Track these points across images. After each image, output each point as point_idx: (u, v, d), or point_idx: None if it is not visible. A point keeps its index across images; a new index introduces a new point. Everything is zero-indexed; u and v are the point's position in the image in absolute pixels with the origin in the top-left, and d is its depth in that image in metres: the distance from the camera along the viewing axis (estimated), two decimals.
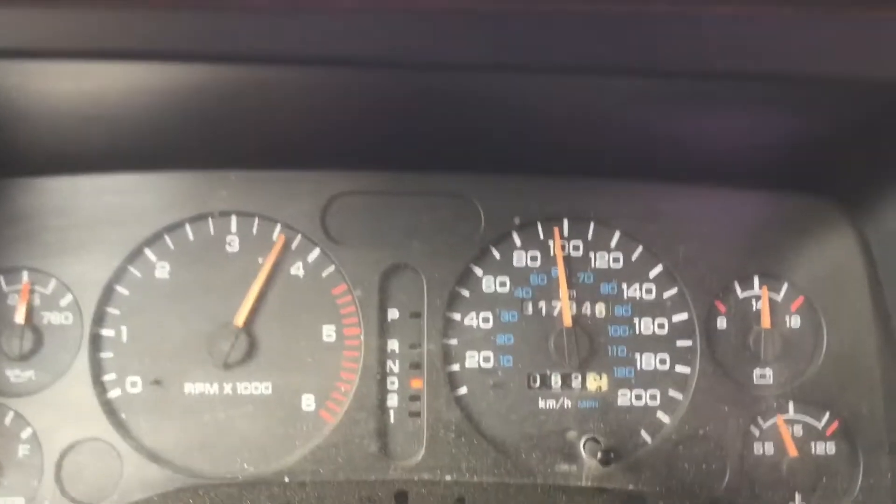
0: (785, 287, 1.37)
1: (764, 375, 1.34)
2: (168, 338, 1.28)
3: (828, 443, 1.32)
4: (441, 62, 0.94)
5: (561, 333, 1.31)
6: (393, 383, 1.30)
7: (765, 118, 1.15)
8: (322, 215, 1.32)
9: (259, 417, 1.27)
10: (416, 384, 1.30)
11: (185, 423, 1.26)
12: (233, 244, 1.31)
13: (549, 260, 1.35)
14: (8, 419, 1.24)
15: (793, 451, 1.31)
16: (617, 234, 1.36)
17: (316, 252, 1.32)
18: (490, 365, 1.31)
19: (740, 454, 1.30)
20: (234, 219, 1.31)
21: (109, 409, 1.25)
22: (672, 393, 1.33)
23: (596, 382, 1.32)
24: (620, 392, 1.32)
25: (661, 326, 1.34)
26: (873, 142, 1.17)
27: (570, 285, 1.33)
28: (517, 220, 1.34)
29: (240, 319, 1.28)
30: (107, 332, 1.28)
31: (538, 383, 1.32)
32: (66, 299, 1.28)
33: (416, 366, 1.30)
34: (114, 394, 1.26)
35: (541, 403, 1.31)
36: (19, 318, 1.26)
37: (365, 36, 0.90)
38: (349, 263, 1.31)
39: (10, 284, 1.28)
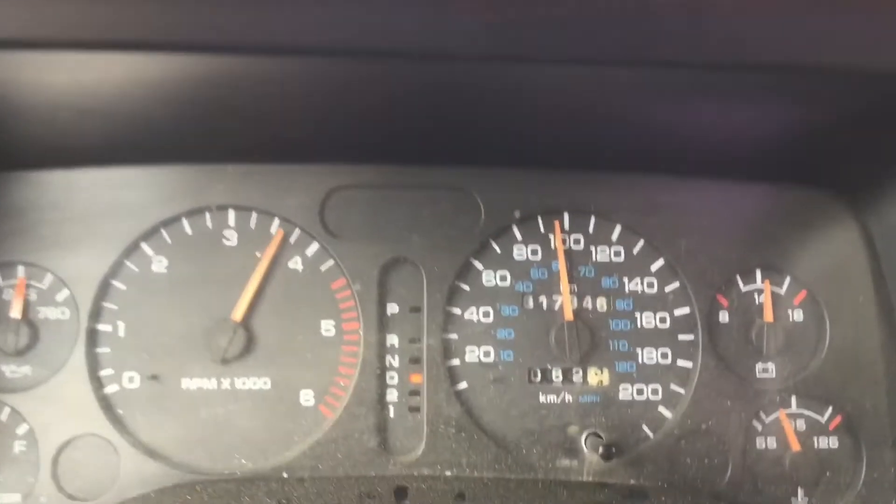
0: (787, 281, 1.36)
1: (766, 370, 1.33)
2: (165, 333, 1.27)
3: (831, 437, 1.32)
4: (440, 52, 0.93)
5: (562, 328, 1.30)
6: (392, 378, 1.29)
7: (767, 109, 1.14)
8: (321, 209, 1.31)
9: (257, 413, 1.26)
10: (416, 379, 1.29)
11: (182, 419, 1.25)
12: (230, 238, 1.30)
13: (549, 254, 1.34)
14: (4, 415, 1.23)
15: (795, 446, 1.30)
16: (618, 228, 1.35)
17: (314, 246, 1.31)
18: (491, 359, 1.30)
19: (742, 449, 1.29)
20: (231, 213, 1.30)
21: (106, 405, 1.24)
22: (674, 387, 1.32)
23: (597, 377, 1.31)
24: (622, 386, 1.31)
25: (662, 320, 1.33)
26: (876, 134, 1.17)
27: (570, 279, 1.32)
28: (517, 214, 1.33)
29: (238, 314, 1.27)
30: (103, 328, 1.27)
31: (539, 378, 1.31)
32: (63, 294, 1.27)
33: (416, 360, 1.29)
34: (111, 389, 1.25)
35: (542, 398, 1.30)
36: (15, 313, 1.25)
37: (362, 26, 0.89)
38: (348, 257, 1.30)
39: (5, 279, 1.27)
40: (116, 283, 1.28)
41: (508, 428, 1.29)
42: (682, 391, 1.31)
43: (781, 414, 1.31)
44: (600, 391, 1.31)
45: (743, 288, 1.35)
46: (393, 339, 1.30)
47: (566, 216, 1.35)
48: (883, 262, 1.33)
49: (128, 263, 1.28)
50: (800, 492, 1.29)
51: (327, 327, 1.29)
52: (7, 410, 1.23)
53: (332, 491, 1.10)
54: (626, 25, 0.91)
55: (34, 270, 1.27)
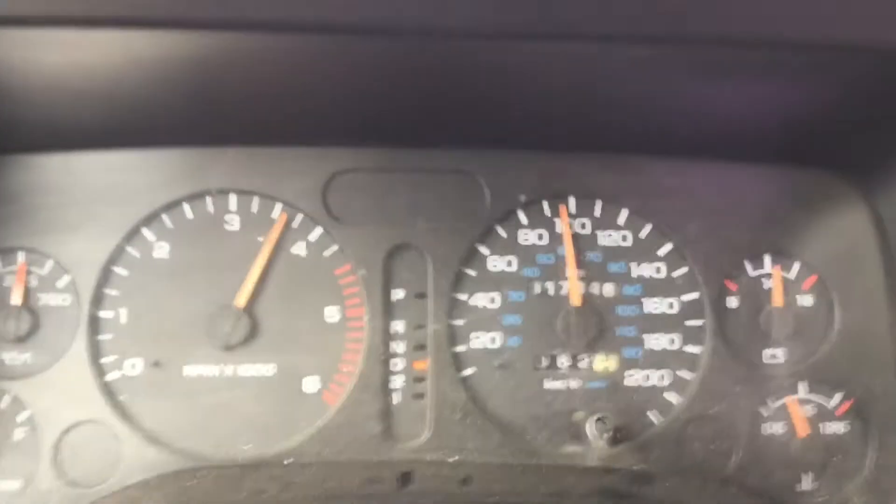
0: (797, 265, 1.34)
1: (775, 355, 1.32)
2: (168, 319, 1.25)
3: (839, 422, 1.31)
4: (444, 29, 0.91)
5: (569, 313, 1.29)
6: (397, 364, 1.28)
7: (776, 90, 1.12)
8: (323, 193, 1.29)
9: (261, 399, 1.25)
10: (421, 365, 1.28)
11: (185, 405, 1.24)
12: (232, 223, 1.28)
13: (555, 238, 1.32)
14: (4, 402, 1.22)
15: (803, 431, 1.29)
16: (625, 212, 1.33)
17: (318, 231, 1.29)
18: (497, 345, 1.29)
19: (750, 434, 1.29)
20: (233, 197, 1.29)
21: (108, 392, 1.23)
22: (681, 373, 1.30)
23: (604, 363, 1.30)
24: (629, 372, 1.30)
25: (670, 306, 1.32)
26: (887, 115, 1.14)
27: (577, 264, 1.31)
28: (523, 198, 1.32)
29: (241, 300, 1.26)
30: (105, 314, 1.25)
31: (546, 364, 1.30)
32: (64, 280, 1.25)
33: (422, 347, 1.28)
34: (113, 376, 1.24)
35: (548, 384, 1.29)
36: (16, 299, 1.24)
37: (363, 1, 0.87)
38: (352, 243, 1.28)
39: (6, 265, 1.26)
40: (118, 269, 1.26)
41: (514, 414, 1.27)
42: (689, 377, 1.30)
43: (789, 399, 1.30)
44: (607, 377, 1.30)
45: (752, 272, 1.34)
46: (398, 326, 1.29)
47: (572, 200, 1.33)
48: (893, 246, 1.32)
49: (129, 249, 1.27)
50: (808, 477, 1.29)
51: (331, 313, 1.28)
52: (8, 397, 1.22)
53: (336, 476, 1.09)
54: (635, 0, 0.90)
55: (34, 256, 1.25)
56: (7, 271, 1.25)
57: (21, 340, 1.23)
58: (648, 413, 1.29)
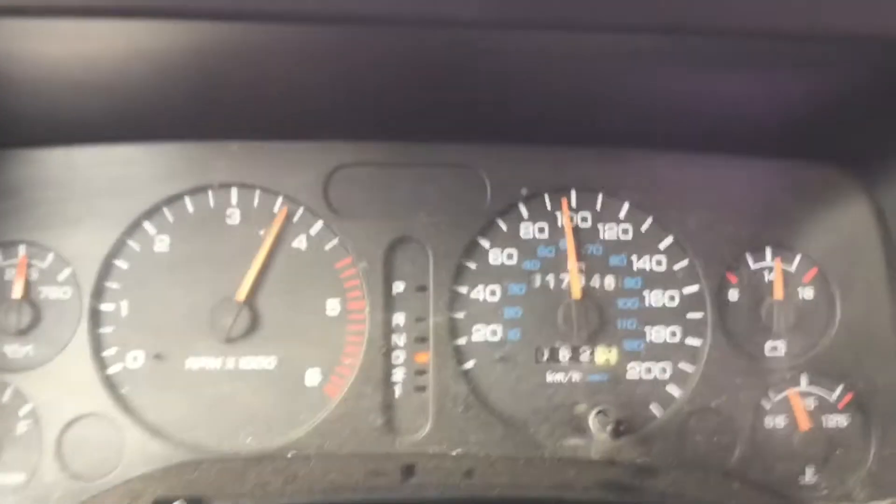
0: (798, 258, 1.34)
1: (776, 348, 1.32)
2: (169, 312, 1.25)
3: (841, 415, 1.31)
4: (445, 19, 0.90)
5: (570, 306, 1.29)
6: (398, 357, 1.28)
7: (778, 83, 1.12)
8: (324, 187, 1.29)
9: (263, 392, 1.25)
10: (423, 358, 1.28)
11: (187, 398, 1.24)
12: (233, 217, 1.29)
13: (556, 231, 1.32)
14: (6, 395, 1.22)
15: (805, 424, 1.29)
16: (626, 205, 1.33)
17: (319, 225, 1.29)
18: (498, 338, 1.29)
19: (752, 427, 1.29)
20: (234, 191, 1.29)
21: (110, 384, 1.23)
22: (683, 366, 1.30)
23: (605, 356, 1.30)
24: (630, 365, 1.30)
25: (671, 299, 1.32)
26: (888, 108, 1.14)
27: (578, 257, 1.31)
28: (524, 191, 1.32)
29: (241, 294, 1.26)
30: (106, 307, 1.25)
31: (547, 357, 1.30)
32: (65, 273, 1.25)
33: (423, 339, 1.28)
34: (114, 369, 1.24)
35: (549, 377, 1.29)
36: (17, 292, 1.24)
37: None
38: (353, 236, 1.28)
39: (7, 258, 1.26)
40: (119, 263, 1.26)
41: (516, 407, 1.28)
42: (690, 370, 1.30)
43: (791, 392, 1.30)
44: (608, 370, 1.30)
45: (753, 265, 1.34)
46: (399, 318, 1.29)
47: (573, 193, 1.33)
48: (894, 239, 1.31)
49: (130, 242, 1.27)
50: (810, 469, 1.29)
51: (332, 306, 1.28)
52: (9, 390, 1.22)
53: (338, 469, 1.09)
54: None
55: (35, 249, 1.26)
56: (8, 264, 1.26)
57: (22, 333, 1.23)
58: (650, 406, 1.29)
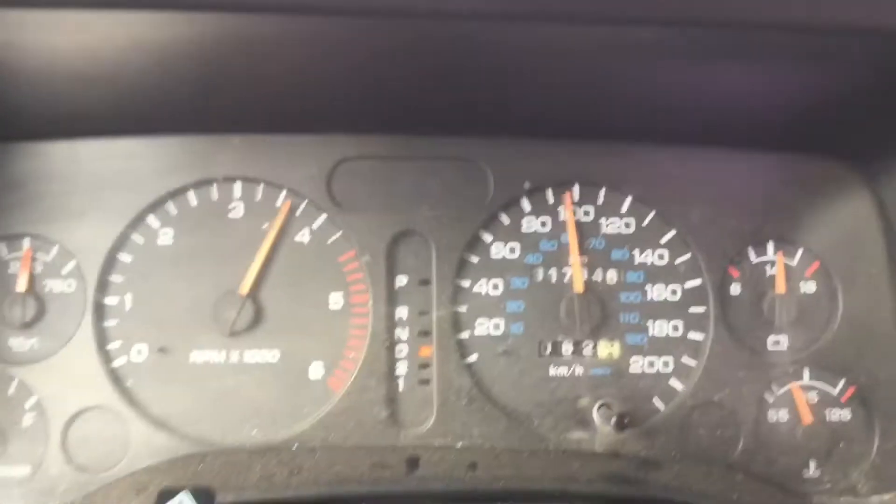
0: (800, 252, 1.34)
1: (778, 342, 1.32)
2: (173, 305, 1.26)
3: (843, 409, 1.31)
4: (448, 10, 0.91)
5: (572, 300, 1.29)
6: (402, 351, 1.28)
7: (781, 76, 1.12)
8: (328, 180, 1.29)
9: (267, 385, 1.26)
10: (426, 352, 1.28)
11: (191, 391, 1.24)
12: (236, 210, 1.29)
13: (559, 225, 1.32)
14: (12, 387, 1.22)
15: (807, 418, 1.29)
16: (628, 199, 1.33)
17: (322, 218, 1.30)
18: (500, 332, 1.29)
19: (755, 420, 1.29)
20: (237, 184, 1.29)
21: (115, 377, 1.24)
22: (685, 360, 1.31)
23: (608, 349, 1.30)
24: (633, 359, 1.30)
25: (673, 293, 1.32)
26: (890, 101, 1.14)
27: (581, 251, 1.31)
28: (527, 185, 1.32)
29: (245, 287, 1.26)
30: (110, 300, 1.26)
31: (549, 351, 1.30)
32: (69, 267, 1.26)
33: (426, 333, 1.28)
34: (119, 362, 1.25)
35: (552, 371, 1.29)
36: (21, 285, 1.24)
37: None
38: (356, 230, 1.28)
39: (11, 251, 1.26)
40: (123, 256, 1.27)
41: (519, 400, 1.28)
42: (693, 363, 1.30)
43: (793, 386, 1.30)
44: (611, 364, 1.30)
45: (755, 259, 1.34)
46: (402, 312, 1.29)
47: (576, 187, 1.33)
48: None
49: (134, 236, 1.27)
50: (813, 463, 1.29)
51: (335, 300, 1.28)
52: (15, 383, 1.22)
53: (343, 461, 1.09)
54: None
55: (40, 242, 1.26)
56: (12, 257, 1.26)
57: (27, 326, 1.23)
58: (653, 399, 1.29)
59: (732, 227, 1.33)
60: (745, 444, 1.28)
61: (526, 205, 1.32)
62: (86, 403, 1.22)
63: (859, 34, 0.97)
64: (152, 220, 1.27)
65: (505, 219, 1.32)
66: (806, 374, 1.31)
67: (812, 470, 1.29)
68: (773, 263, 1.34)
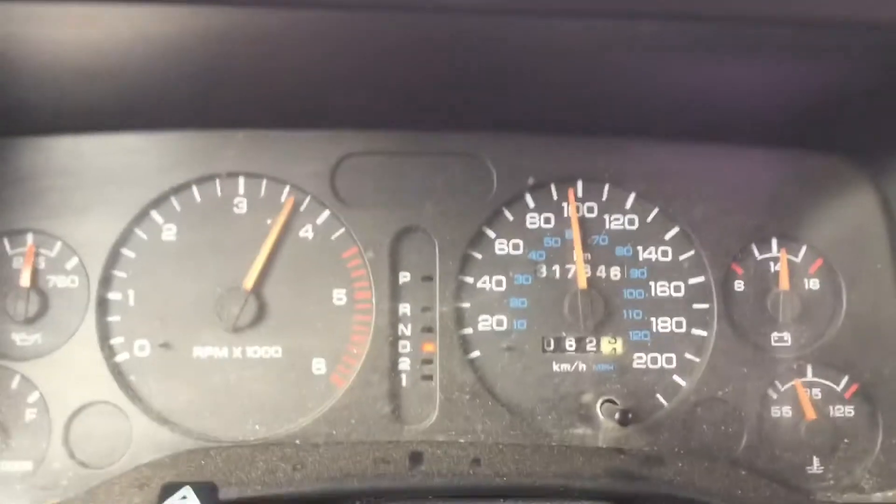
0: (803, 248, 1.34)
1: (782, 338, 1.32)
2: (176, 301, 1.26)
3: (847, 405, 1.31)
4: (452, 5, 0.90)
5: (576, 296, 1.29)
6: (405, 347, 1.28)
7: (785, 72, 1.12)
8: (331, 176, 1.29)
9: (270, 380, 1.26)
10: (429, 348, 1.28)
11: (194, 386, 1.24)
12: (240, 206, 1.29)
13: (562, 222, 1.32)
14: (14, 382, 1.22)
15: (811, 414, 1.29)
16: (632, 196, 1.33)
17: (325, 214, 1.30)
18: (504, 328, 1.29)
19: (758, 417, 1.29)
20: (241, 180, 1.29)
21: (118, 373, 1.24)
22: (688, 356, 1.31)
23: (611, 346, 1.30)
24: (636, 355, 1.30)
25: (677, 289, 1.32)
26: (893, 98, 1.14)
27: (584, 248, 1.31)
28: (531, 181, 1.32)
29: (248, 283, 1.26)
30: (114, 296, 1.26)
31: (553, 347, 1.30)
32: (72, 262, 1.26)
33: (429, 329, 1.28)
34: (122, 357, 1.25)
35: (555, 367, 1.29)
36: (24, 281, 1.24)
37: None
38: (360, 226, 1.28)
39: (14, 247, 1.26)
40: (126, 252, 1.27)
41: (522, 396, 1.28)
42: (696, 360, 1.30)
43: (797, 382, 1.30)
44: (614, 360, 1.30)
45: (758, 256, 1.34)
46: (405, 308, 1.29)
47: (580, 184, 1.33)
48: None
49: (137, 231, 1.27)
50: (817, 459, 1.29)
51: (339, 296, 1.28)
52: (17, 378, 1.22)
53: (346, 456, 1.09)
54: None
55: (43, 238, 1.26)
56: (16, 253, 1.26)
57: (30, 322, 1.23)
58: (657, 395, 1.29)
59: (736, 223, 1.33)
60: (749, 440, 1.28)
61: (530, 201, 1.32)
62: (88, 399, 1.22)
63: (860, 28, 0.97)
64: (156, 216, 1.27)
65: (509, 215, 1.32)
66: (809, 370, 1.31)
67: (815, 466, 1.29)
68: (776, 260, 1.34)
